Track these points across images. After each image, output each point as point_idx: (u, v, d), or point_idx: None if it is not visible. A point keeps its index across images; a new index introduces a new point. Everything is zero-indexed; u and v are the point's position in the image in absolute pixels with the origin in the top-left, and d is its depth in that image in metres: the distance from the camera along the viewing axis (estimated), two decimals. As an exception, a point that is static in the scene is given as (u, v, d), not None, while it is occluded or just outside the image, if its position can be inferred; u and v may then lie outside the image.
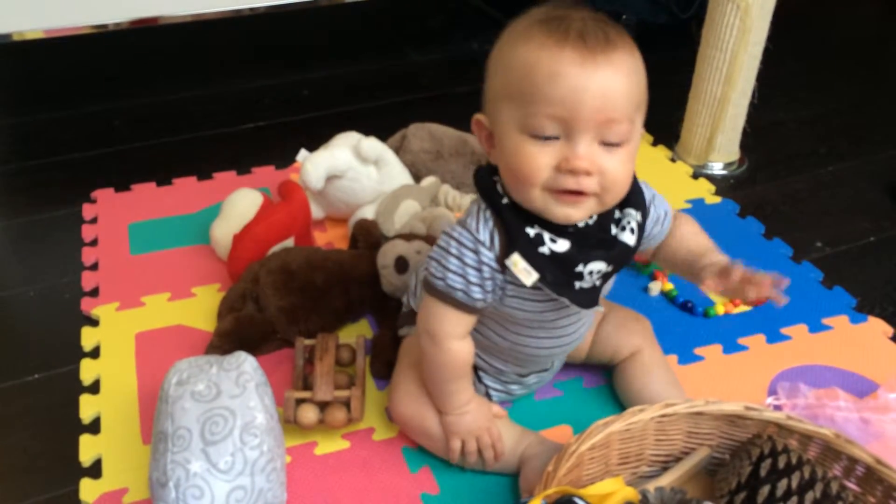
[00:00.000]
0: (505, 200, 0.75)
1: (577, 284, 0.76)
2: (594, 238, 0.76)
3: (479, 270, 0.75)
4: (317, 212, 1.23)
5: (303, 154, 1.19)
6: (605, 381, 1.00)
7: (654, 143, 1.53)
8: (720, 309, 1.11)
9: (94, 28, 1.53)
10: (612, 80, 0.67)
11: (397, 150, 1.29)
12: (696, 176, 1.45)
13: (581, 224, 0.75)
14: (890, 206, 1.39)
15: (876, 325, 1.10)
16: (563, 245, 0.74)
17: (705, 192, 1.40)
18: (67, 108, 1.66)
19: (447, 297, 0.78)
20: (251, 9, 1.61)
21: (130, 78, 1.81)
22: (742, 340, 1.07)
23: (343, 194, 1.20)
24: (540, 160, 0.69)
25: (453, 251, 0.76)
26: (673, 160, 1.49)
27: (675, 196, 1.36)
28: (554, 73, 0.67)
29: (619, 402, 0.96)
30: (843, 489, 0.73)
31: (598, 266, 0.76)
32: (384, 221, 1.15)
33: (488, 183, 0.76)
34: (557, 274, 0.75)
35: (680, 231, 0.87)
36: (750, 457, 0.75)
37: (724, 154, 1.47)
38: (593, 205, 0.72)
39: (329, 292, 1.04)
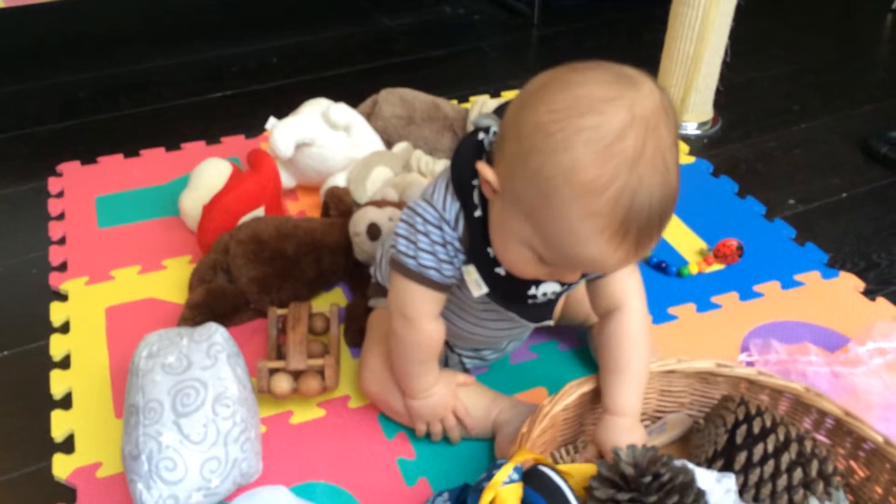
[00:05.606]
0: (478, 213, 0.71)
1: (530, 301, 0.76)
2: None
3: (445, 247, 0.73)
4: (287, 180, 1.21)
5: (272, 122, 1.17)
6: (581, 344, 1.00)
7: (628, 104, 1.52)
8: (693, 268, 1.11)
9: (56, -3, 1.49)
10: None
11: (368, 116, 1.27)
12: (669, 136, 1.44)
13: None
14: (862, 163, 1.39)
15: (847, 280, 1.11)
16: None
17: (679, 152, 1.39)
18: (31, 80, 1.62)
19: (420, 277, 0.75)
20: (215, -26, 1.58)
21: (95, 48, 1.76)
22: (715, 299, 1.07)
23: (313, 162, 1.18)
24: (535, 271, 0.69)
25: (420, 228, 0.73)
26: (647, 121, 1.48)
27: (649, 157, 1.35)
28: (595, 259, 0.64)
29: (594, 363, 0.96)
30: (816, 446, 0.73)
31: (552, 287, 0.75)
32: (356, 188, 1.14)
33: (466, 184, 0.71)
34: (508, 292, 0.75)
35: (617, 326, 0.80)
36: (725, 424, 0.75)
37: (697, 114, 1.46)
38: None
39: (300, 261, 1.03)
